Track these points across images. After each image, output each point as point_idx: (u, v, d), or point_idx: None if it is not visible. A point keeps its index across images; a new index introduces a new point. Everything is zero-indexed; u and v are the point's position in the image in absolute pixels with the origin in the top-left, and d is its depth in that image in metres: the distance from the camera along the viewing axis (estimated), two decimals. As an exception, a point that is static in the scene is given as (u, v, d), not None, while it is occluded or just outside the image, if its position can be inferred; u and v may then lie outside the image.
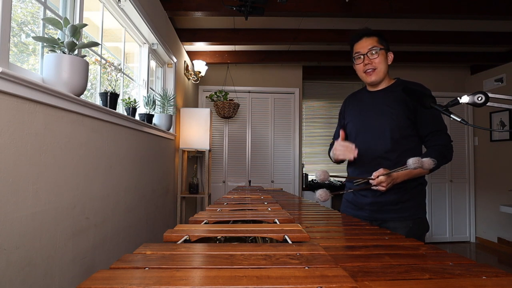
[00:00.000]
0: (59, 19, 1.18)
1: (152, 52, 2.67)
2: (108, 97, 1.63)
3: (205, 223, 0.83)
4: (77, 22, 1.47)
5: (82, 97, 1.31)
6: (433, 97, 1.17)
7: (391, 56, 1.43)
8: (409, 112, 1.35)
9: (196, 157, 4.03)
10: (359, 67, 1.43)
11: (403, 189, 1.35)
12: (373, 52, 1.38)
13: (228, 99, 4.03)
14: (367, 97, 1.50)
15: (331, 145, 1.67)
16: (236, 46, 3.70)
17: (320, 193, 1.26)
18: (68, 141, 1.26)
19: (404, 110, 1.36)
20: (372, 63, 1.39)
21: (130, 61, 2.50)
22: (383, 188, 1.29)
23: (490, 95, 0.99)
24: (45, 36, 1.27)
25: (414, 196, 1.37)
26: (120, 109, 1.98)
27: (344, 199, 1.56)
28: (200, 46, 3.59)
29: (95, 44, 1.30)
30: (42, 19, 1.25)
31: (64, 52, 1.19)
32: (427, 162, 1.15)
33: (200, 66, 3.68)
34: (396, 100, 1.38)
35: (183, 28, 3.27)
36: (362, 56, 1.40)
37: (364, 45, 1.40)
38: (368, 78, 1.42)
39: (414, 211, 1.36)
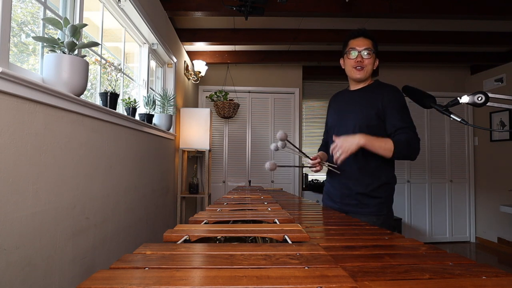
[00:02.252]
0: (59, 19, 1.18)
1: (152, 52, 2.67)
2: (108, 97, 1.63)
3: (205, 223, 0.83)
4: (77, 22, 1.47)
5: (82, 97, 1.31)
6: (432, 97, 1.17)
7: (377, 62, 1.53)
8: (379, 112, 1.42)
9: (196, 157, 4.03)
10: (349, 62, 1.51)
11: (369, 185, 1.44)
12: (366, 53, 1.46)
13: (228, 99, 4.03)
14: (346, 96, 1.60)
15: (321, 145, 1.79)
16: (236, 46, 3.70)
17: (268, 164, 1.45)
18: (68, 141, 1.26)
19: (374, 109, 1.43)
20: (363, 61, 1.47)
21: (130, 61, 2.50)
22: (342, 153, 1.31)
23: (490, 95, 0.99)
24: (45, 36, 1.27)
25: (379, 195, 1.44)
26: (120, 109, 1.98)
27: (324, 191, 1.68)
28: (200, 46, 3.59)
29: (95, 44, 1.30)
30: (42, 19, 1.25)
31: (64, 52, 1.19)
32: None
33: (200, 66, 3.67)
34: (368, 100, 1.46)
35: (183, 28, 3.27)
36: (356, 53, 1.48)
37: (360, 44, 1.48)
38: (355, 74, 1.50)
39: (377, 208, 1.43)
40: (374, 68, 1.51)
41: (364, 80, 1.52)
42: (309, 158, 1.53)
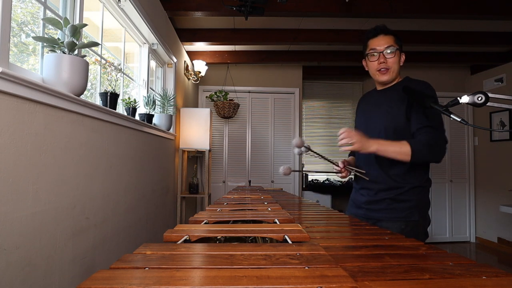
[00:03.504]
0: (59, 19, 1.18)
1: (152, 52, 2.67)
2: (108, 97, 1.63)
3: (205, 223, 0.83)
4: (77, 22, 1.47)
5: (82, 97, 1.31)
6: (434, 97, 1.17)
7: (403, 57, 1.40)
8: (407, 110, 1.31)
9: (196, 157, 4.03)
10: (372, 65, 1.39)
11: (398, 189, 1.32)
12: (389, 51, 1.34)
13: (228, 99, 4.03)
14: (373, 97, 1.48)
15: None
16: (236, 46, 3.70)
17: (283, 168, 1.49)
18: (68, 141, 1.26)
19: (402, 109, 1.31)
20: (387, 62, 1.35)
21: (130, 61, 2.50)
22: (350, 143, 1.24)
23: (490, 95, 0.99)
24: (45, 36, 1.27)
25: (409, 198, 1.31)
26: (120, 109, 1.98)
27: (350, 198, 1.58)
28: (200, 46, 3.59)
29: (95, 44, 1.30)
30: (42, 19, 1.25)
31: (64, 52, 1.19)
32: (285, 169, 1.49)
33: (200, 66, 3.67)
34: (397, 99, 1.34)
35: (183, 28, 3.27)
36: (377, 54, 1.36)
37: (381, 43, 1.35)
38: (380, 77, 1.39)
39: (407, 213, 1.30)
40: (401, 65, 1.38)
41: (391, 81, 1.40)
42: (336, 164, 1.44)
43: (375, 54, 1.36)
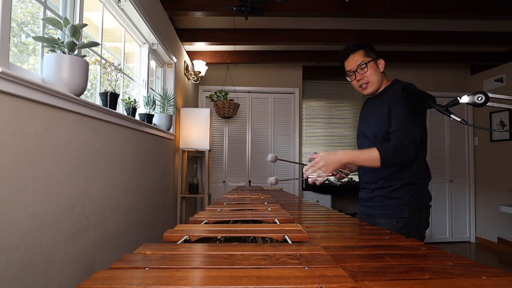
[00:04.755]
0: (59, 19, 1.18)
1: (152, 52, 2.67)
2: (108, 97, 1.63)
3: (205, 223, 0.83)
4: (77, 22, 1.47)
5: (82, 97, 1.31)
6: (432, 97, 1.18)
7: (382, 63, 1.44)
8: (389, 114, 1.35)
9: (196, 157, 4.03)
10: (353, 84, 1.48)
11: (388, 187, 1.38)
12: (362, 67, 1.41)
13: (228, 99, 4.03)
14: (368, 104, 1.56)
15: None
16: (236, 46, 3.70)
17: (271, 179, 1.58)
18: (68, 141, 1.26)
19: (385, 113, 1.36)
20: (364, 77, 1.43)
21: (130, 61, 2.50)
22: (323, 171, 1.28)
23: (490, 95, 0.99)
24: (45, 36, 1.27)
25: (400, 196, 1.36)
26: (120, 109, 1.98)
27: None
28: (200, 46, 3.59)
29: (95, 44, 1.30)
30: (42, 19, 1.25)
31: (64, 52, 1.19)
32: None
33: (200, 66, 3.67)
34: (382, 105, 1.40)
35: (183, 28, 3.27)
36: (353, 73, 1.44)
37: (351, 63, 1.44)
38: (364, 92, 1.47)
39: (397, 210, 1.35)
40: (382, 70, 1.44)
41: (375, 92, 1.46)
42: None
43: (351, 74, 1.45)
